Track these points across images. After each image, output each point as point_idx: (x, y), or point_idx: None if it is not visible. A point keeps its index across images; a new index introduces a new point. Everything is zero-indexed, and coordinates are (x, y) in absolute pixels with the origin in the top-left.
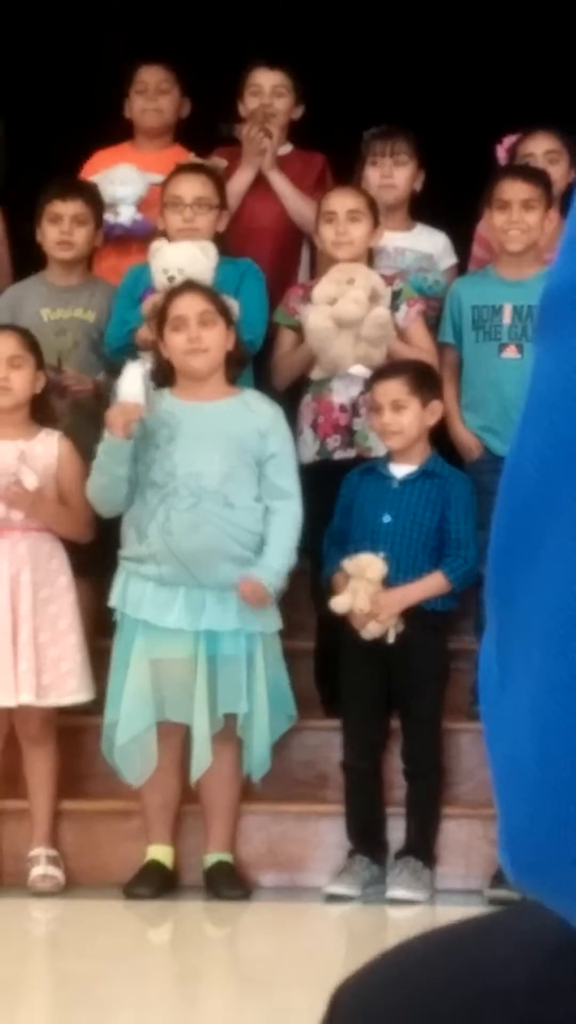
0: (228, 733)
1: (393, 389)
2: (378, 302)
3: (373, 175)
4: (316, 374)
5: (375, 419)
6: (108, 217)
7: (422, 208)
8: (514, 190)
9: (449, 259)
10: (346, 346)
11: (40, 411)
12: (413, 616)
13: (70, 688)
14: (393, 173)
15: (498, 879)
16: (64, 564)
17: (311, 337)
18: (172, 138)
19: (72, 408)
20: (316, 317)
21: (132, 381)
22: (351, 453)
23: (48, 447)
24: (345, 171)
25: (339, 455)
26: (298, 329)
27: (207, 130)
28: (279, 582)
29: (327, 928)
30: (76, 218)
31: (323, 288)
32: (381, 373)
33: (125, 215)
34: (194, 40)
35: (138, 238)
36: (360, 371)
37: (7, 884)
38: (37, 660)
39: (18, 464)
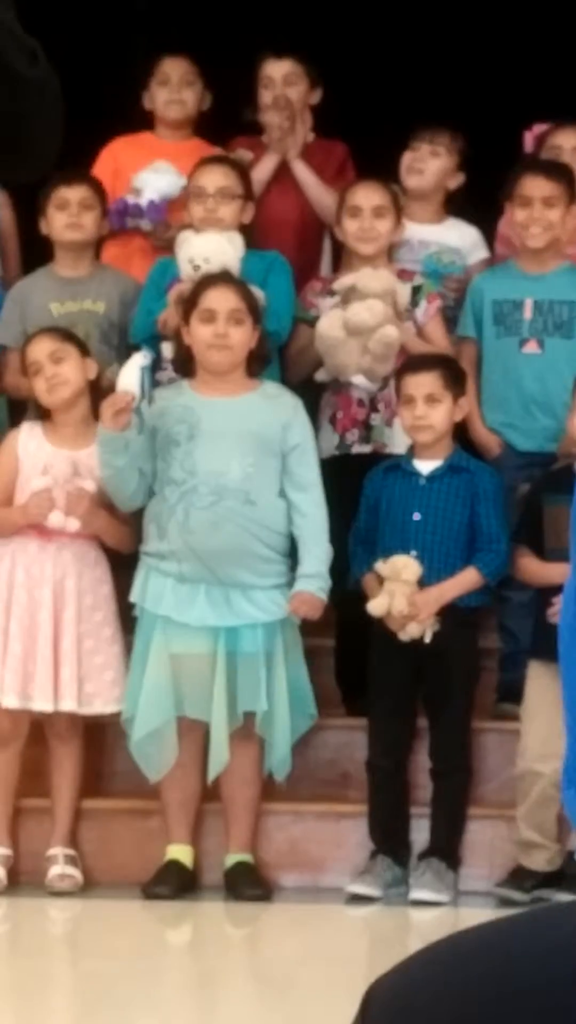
0: (248, 732)
1: (427, 383)
2: (399, 316)
3: (406, 158)
4: (320, 375)
5: (405, 412)
6: (128, 197)
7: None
8: (536, 186)
9: (480, 253)
10: (351, 355)
11: (97, 407)
12: (445, 614)
13: (114, 696)
14: (426, 159)
15: (509, 878)
16: (107, 573)
17: (319, 341)
18: (192, 131)
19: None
20: (327, 322)
21: (129, 372)
22: (367, 448)
23: None
24: (367, 160)
25: (356, 449)
26: (314, 323)
27: (227, 120)
28: (327, 583)
29: (349, 929)
30: (83, 203)
31: (343, 283)
32: (412, 366)
33: (144, 197)
34: (214, 30)
35: (145, 221)
36: (362, 382)
37: (25, 883)
38: (80, 668)
39: (72, 473)
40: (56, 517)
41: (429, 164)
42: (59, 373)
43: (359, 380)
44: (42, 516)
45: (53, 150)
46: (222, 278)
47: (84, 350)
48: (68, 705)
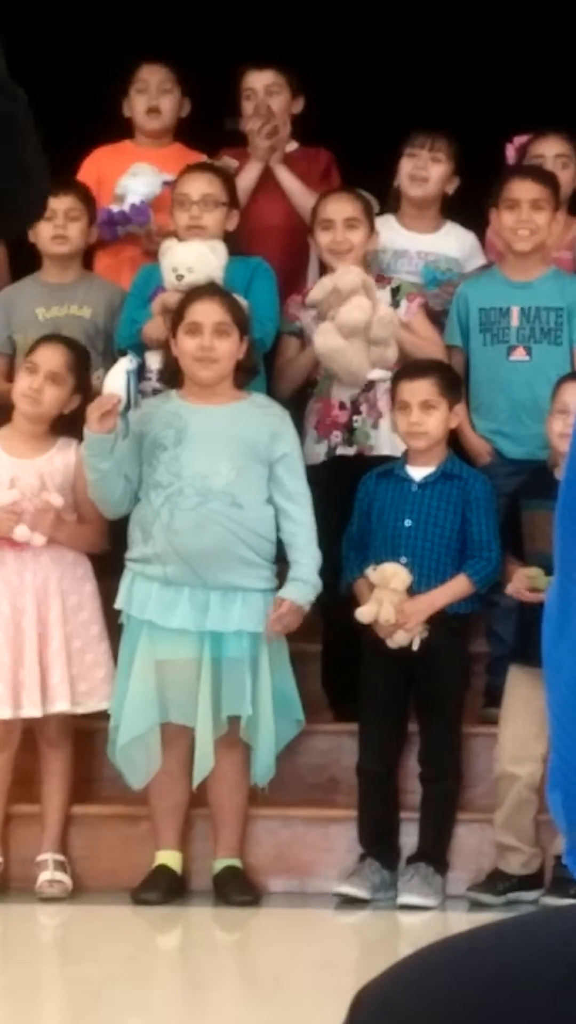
0: (234, 737)
1: (423, 389)
2: (372, 296)
3: (407, 166)
4: (337, 393)
5: (401, 418)
6: (111, 207)
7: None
8: (523, 189)
9: (477, 260)
10: (360, 354)
11: (63, 427)
12: (435, 620)
13: (106, 694)
14: (428, 166)
15: (487, 880)
16: (89, 571)
17: (324, 359)
18: (172, 137)
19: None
20: (323, 338)
21: (115, 376)
22: (351, 451)
23: (65, 456)
24: (351, 167)
25: (340, 451)
26: (299, 335)
27: (211, 129)
28: (315, 590)
29: (337, 934)
30: (68, 213)
31: (316, 293)
32: (408, 372)
33: (127, 203)
34: (197, 38)
35: (134, 225)
36: (380, 374)
37: (15, 889)
38: (72, 667)
39: (39, 486)
40: (22, 531)
41: (432, 171)
42: (43, 392)
43: (376, 374)
44: (8, 530)
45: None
46: (207, 290)
47: (81, 384)
48: (61, 706)
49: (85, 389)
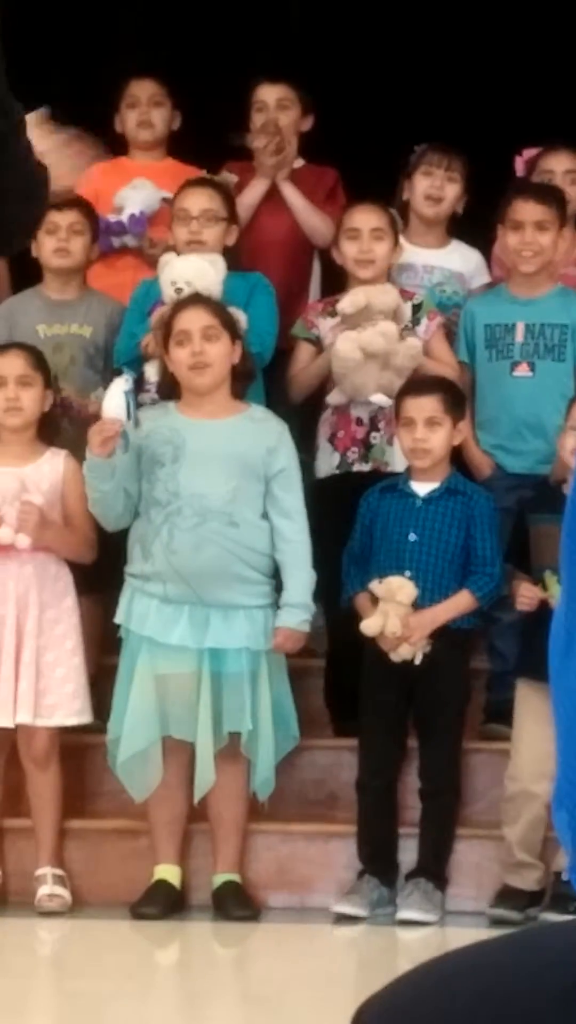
0: (234, 751)
1: (428, 406)
2: (401, 323)
3: (422, 184)
4: (333, 399)
5: (405, 435)
6: (109, 217)
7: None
8: (527, 211)
9: (482, 277)
10: (370, 375)
11: (47, 429)
12: (437, 635)
13: (75, 709)
14: (444, 186)
15: (500, 898)
16: (70, 585)
17: (337, 363)
18: (165, 151)
19: (77, 425)
20: (344, 345)
21: (112, 397)
22: (367, 467)
23: (54, 466)
24: (356, 185)
25: (356, 468)
26: (316, 343)
27: (214, 144)
28: (309, 612)
29: (336, 950)
30: (72, 227)
31: (347, 305)
32: (413, 388)
33: (125, 213)
34: (201, 54)
35: (130, 236)
36: (381, 399)
37: (13, 903)
38: (40, 680)
39: (20, 490)
40: (5, 533)
41: (447, 191)
42: (20, 398)
43: (378, 398)
44: None
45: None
46: (192, 299)
47: (48, 379)
48: (24, 718)
49: (51, 384)
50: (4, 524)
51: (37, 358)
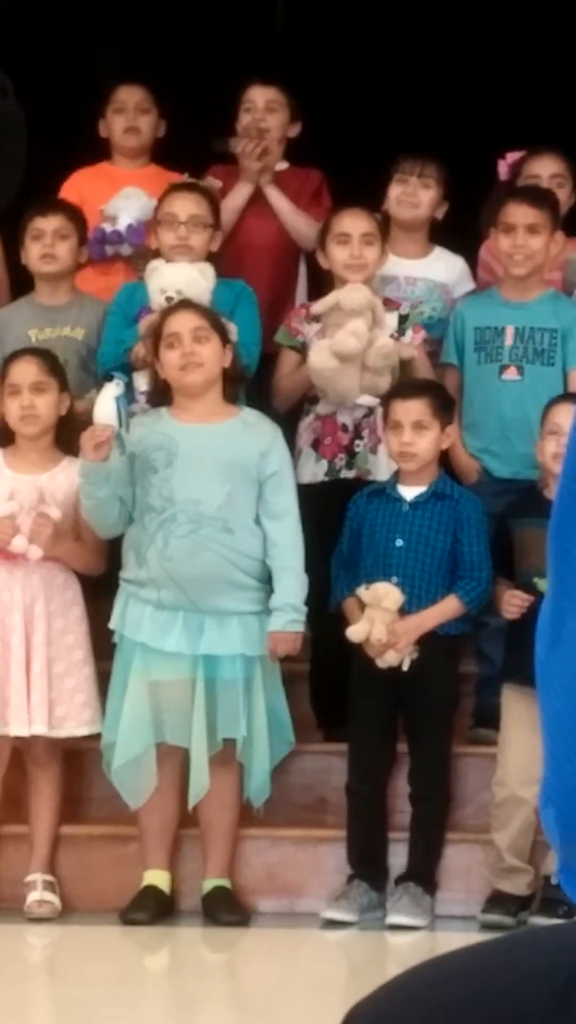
0: (227, 757)
1: (416, 409)
2: (381, 325)
3: (395, 191)
4: (323, 408)
5: (392, 438)
6: (105, 226)
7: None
8: (519, 214)
9: (467, 285)
10: (351, 379)
11: (64, 435)
12: (426, 641)
13: (85, 719)
14: (417, 192)
15: (492, 903)
16: (78, 595)
17: (315, 376)
18: (150, 158)
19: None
20: (318, 356)
21: (103, 402)
22: (351, 474)
23: (69, 476)
24: (341, 189)
25: (343, 475)
26: (300, 350)
27: (197, 150)
28: (300, 614)
29: (326, 954)
30: (57, 232)
31: (318, 306)
32: (401, 392)
33: (122, 223)
34: (185, 60)
35: (127, 245)
36: (368, 400)
37: (3, 909)
38: (51, 691)
39: (38, 500)
40: (19, 542)
41: (422, 197)
42: (36, 406)
43: (364, 400)
44: (4, 542)
45: (12, 184)
46: (181, 304)
47: (64, 383)
48: (39, 729)
49: (67, 388)
50: (20, 534)
51: (51, 363)
